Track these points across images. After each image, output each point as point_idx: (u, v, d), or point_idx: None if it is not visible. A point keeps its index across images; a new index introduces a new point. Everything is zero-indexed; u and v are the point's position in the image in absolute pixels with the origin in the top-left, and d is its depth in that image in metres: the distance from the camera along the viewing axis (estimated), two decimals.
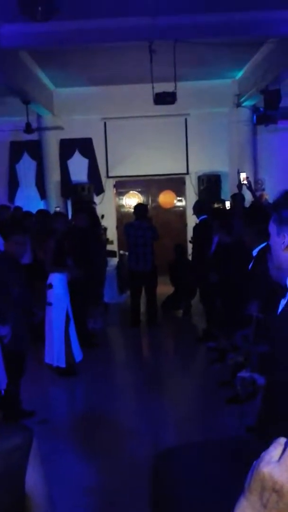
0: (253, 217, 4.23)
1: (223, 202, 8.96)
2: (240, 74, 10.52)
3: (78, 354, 5.57)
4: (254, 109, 10.32)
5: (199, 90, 10.52)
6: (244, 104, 10.55)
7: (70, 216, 9.74)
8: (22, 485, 1.01)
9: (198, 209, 7.27)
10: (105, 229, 9.86)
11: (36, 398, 4.88)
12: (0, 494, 0.99)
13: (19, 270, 4.25)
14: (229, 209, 8.15)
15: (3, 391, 3.73)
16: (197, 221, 7.25)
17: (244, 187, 7.14)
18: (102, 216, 8.78)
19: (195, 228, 7.35)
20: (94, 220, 7.67)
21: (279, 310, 2.15)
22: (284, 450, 0.74)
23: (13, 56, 7.87)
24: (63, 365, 5.46)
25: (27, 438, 1.06)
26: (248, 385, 2.14)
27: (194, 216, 7.42)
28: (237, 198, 7.63)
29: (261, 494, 0.73)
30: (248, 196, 7.70)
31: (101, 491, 3.40)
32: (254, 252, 3.97)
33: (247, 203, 7.96)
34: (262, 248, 3.82)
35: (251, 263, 3.97)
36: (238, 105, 10.71)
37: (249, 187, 6.98)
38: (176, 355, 6.73)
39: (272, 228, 1.79)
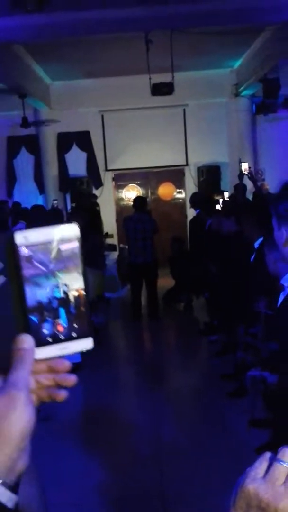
0: (253, 207, 4.16)
1: (223, 193, 8.90)
2: (238, 63, 10.40)
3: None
4: (253, 99, 10.23)
5: (197, 80, 10.41)
6: (243, 93, 10.44)
7: (69, 209, 9.71)
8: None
9: (194, 201, 7.21)
10: (106, 233, 9.81)
11: None
12: None
13: None
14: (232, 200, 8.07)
15: None
16: (195, 213, 7.19)
17: (246, 178, 7.08)
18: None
19: (192, 221, 7.28)
20: (95, 217, 7.59)
21: (279, 304, 2.10)
22: (269, 465, 0.70)
23: (8, 49, 7.77)
24: (79, 360, 5.44)
25: None
26: (258, 384, 2.11)
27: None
28: (238, 189, 7.57)
29: None
30: (250, 186, 7.63)
31: (107, 487, 3.37)
32: (256, 244, 3.90)
33: (248, 194, 7.90)
34: (262, 241, 3.76)
35: (253, 256, 3.91)
36: (237, 94, 10.60)
37: (251, 177, 6.92)
38: (178, 348, 6.69)
39: (274, 222, 1.75)
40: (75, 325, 0.59)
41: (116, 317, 8.11)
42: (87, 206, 7.51)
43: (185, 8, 6.66)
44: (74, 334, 0.59)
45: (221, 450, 3.72)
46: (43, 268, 0.58)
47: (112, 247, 9.43)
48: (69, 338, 0.59)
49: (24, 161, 11.26)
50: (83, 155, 11.15)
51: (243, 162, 7.67)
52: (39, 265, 0.58)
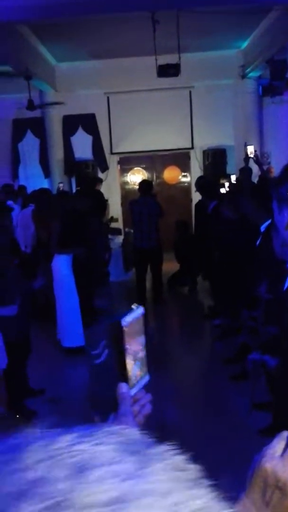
0: (260, 191, 4.13)
1: (229, 177, 8.82)
2: (245, 44, 10.24)
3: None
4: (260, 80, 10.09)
5: (203, 62, 10.26)
6: (249, 75, 10.29)
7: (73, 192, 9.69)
8: None
9: (200, 185, 7.16)
10: (112, 217, 9.84)
11: (44, 377, 4.89)
12: None
13: None
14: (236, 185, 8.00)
15: (1, 372, 3.70)
16: (200, 197, 7.15)
17: (251, 161, 7.01)
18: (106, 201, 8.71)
19: (197, 205, 7.25)
20: (99, 201, 7.57)
21: (285, 287, 2.08)
22: (287, 444, 0.69)
23: (13, 30, 7.69)
24: (82, 343, 5.48)
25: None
26: (259, 367, 2.11)
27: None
28: (244, 172, 7.50)
29: (263, 491, 0.69)
30: (256, 170, 7.56)
31: None
32: (262, 228, 3.87)
33: (254, 177, 7.82)
34: (269, 224, 3.73)
35: (259, 239, 3.88)
36: (244, 76, 10.45)
37: (257, 161, 6.86)
38: (182, 332, 6.71)
39: (275, 205, 1.72)
40: (145, 368, 0.95)
41: (121, 301, 8.13)
42: (90, 191, 7.47)
43: None
44: (143, 374, 0.94)
45: (223, 433, 3.75)
46: (141, 333, 0.94)
47: (117, 231, 9.41)
48: (142, 378, 0.94)
49: (30, 144, 11.20)
50: (88, 138, 11.07)
51: (248, 145, 7.57)
52: (138, 333, 0.93)
